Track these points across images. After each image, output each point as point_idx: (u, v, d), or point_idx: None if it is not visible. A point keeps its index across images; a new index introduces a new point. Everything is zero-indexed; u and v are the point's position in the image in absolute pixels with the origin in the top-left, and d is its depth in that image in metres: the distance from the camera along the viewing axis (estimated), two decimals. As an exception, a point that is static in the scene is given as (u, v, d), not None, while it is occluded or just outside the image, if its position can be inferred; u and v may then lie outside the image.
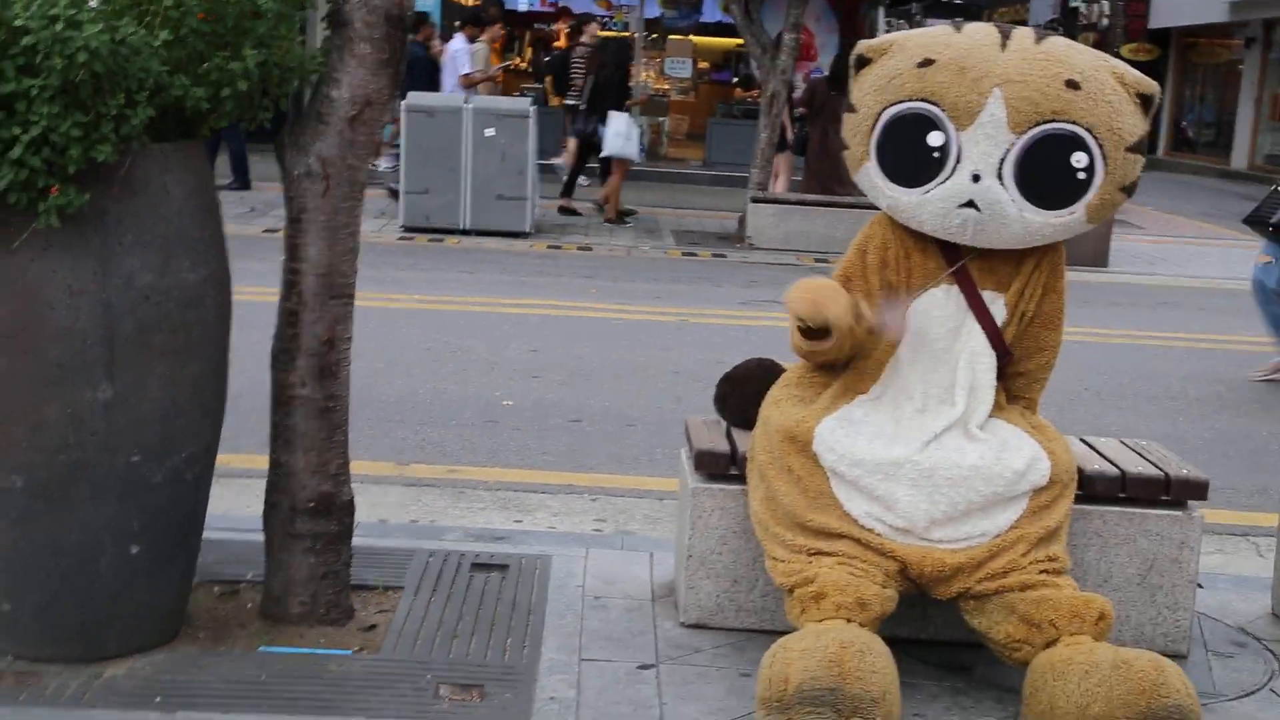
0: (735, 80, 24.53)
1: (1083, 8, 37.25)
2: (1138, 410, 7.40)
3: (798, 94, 14.77)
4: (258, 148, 13.16)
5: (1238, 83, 30.03)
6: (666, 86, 24.07)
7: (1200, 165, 29.43)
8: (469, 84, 14.65)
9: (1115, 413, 7.27)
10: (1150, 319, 10.58)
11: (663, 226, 14.50)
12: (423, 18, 16.59)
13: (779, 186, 14.60)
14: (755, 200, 13.38)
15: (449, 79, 14.75)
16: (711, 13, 22.89)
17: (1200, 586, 4.30)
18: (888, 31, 14.55)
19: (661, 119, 22.55)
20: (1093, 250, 13.22)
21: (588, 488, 5.65)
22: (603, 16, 22.06)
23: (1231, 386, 8.20)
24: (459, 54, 14.72)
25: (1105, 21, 35.47)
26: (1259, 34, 29.01)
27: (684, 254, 12.78)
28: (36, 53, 3.02)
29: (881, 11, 20.76)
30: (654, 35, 24.27)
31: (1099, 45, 35.10)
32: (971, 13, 51.70)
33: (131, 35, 3.11)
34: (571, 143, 15.01)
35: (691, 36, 24.75)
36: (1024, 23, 38.83)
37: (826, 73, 14.93)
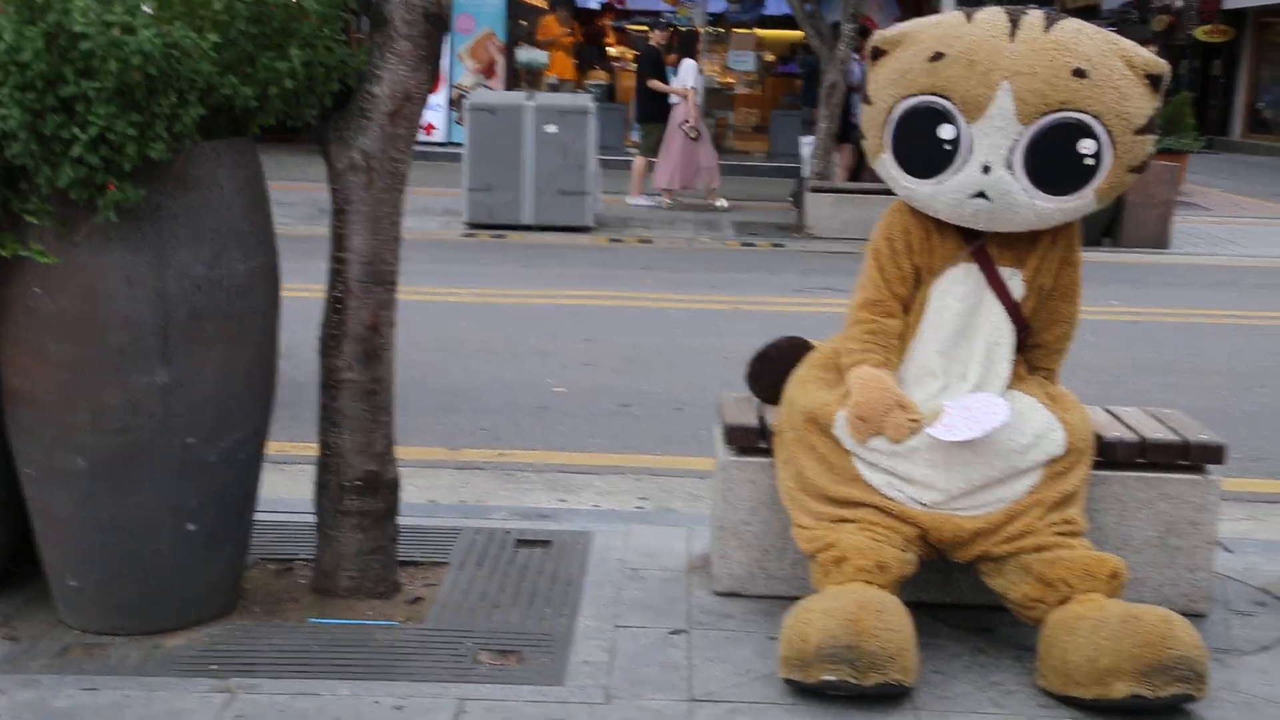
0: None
1: (1156, -11, 36.79)
2: (1183, 385, 7.42)
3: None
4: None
5: (1316, 63, 29.57)
6: (732, 80, 24.11)
7: (1277, 147, 28.97)
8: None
9: (1160, 389, 7.30)
10: (1205, 298, 10.57)
11: (723, 218, 14.62)
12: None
13: (843, 176, 14.65)
14: (814, 190, 13.46)
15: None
16: (776, 5, 22.93)
17: (1227, 550, 4.39)
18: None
19: (727, 113, 22.61)
20: (1154, 232, 13.17)
21: (633, 468, 5.78)
22: (668, 12, 22.18)
23: (1279, 360, 8.20)
24: None
25: (1179, 3, 35.00)
26: (1336, 13, 28.56)
27: (743, 244, 12.90)
28: (94, 57, 3.17)
29: (951, -1, 20.68)
30: (720, 29, 24.36)
31: (1173, 28, 34.68)
32: (1043, -4, 51.24)
33: (183, 38, 3.25)
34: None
35: (756, 30, 24.84)
36: (1097, 8, 38.36)
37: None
